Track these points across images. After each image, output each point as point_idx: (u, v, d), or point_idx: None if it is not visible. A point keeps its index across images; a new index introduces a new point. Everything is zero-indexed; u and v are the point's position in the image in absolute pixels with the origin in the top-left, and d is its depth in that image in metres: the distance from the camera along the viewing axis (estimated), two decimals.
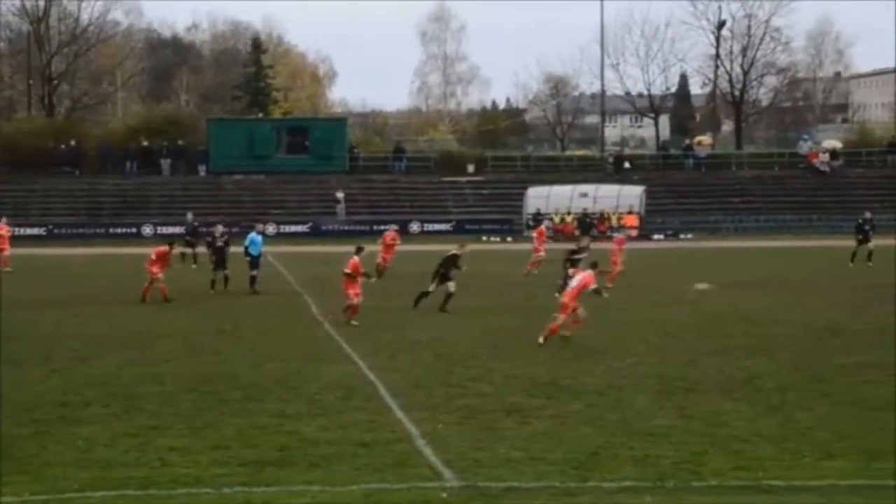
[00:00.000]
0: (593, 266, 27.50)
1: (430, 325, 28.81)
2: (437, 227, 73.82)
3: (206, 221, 53.37)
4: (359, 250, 30.11)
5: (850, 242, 49.55)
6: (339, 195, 76.24)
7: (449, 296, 31.62)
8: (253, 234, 38.21)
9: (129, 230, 71.17)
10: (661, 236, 72.79)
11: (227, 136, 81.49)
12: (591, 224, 70.58)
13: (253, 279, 37.23)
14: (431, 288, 32.11)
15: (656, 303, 33.96)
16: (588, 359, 23.38)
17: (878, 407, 18.17)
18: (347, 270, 29.38)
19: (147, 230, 70.47)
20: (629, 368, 22.17)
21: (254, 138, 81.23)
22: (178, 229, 67.88)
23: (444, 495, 13.57)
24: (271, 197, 78.27)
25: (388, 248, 43.14)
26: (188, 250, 49.19)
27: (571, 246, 37.60)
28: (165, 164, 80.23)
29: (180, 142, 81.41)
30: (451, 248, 33.30)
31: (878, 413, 17.75)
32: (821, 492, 13.63)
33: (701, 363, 22.67)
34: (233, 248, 38.20)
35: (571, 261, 34.69)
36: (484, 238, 66.55)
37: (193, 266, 47.51)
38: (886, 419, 17.30)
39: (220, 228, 39.27)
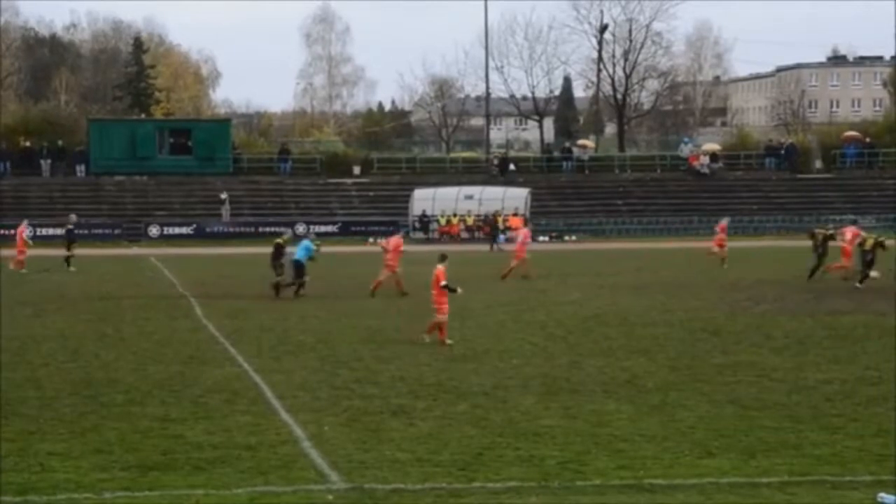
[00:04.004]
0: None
1: (314, 327, 28.69)
2: (322, 228, 73.59)
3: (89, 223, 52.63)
4: (442, 258, 26.48)
5: (730, 244, 50.33)
6: (224, 196, 75.61)
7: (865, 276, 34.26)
8: (307, 241, 37.72)
9: (7, 231, 69.62)
10: (546, 238, 73.40)
11: (109, 136, 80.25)
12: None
13: (301, 284, 36.72)
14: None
15: (541, 304, 34.26)
16: (473, 360, 23.48)
17: (753, 406, 18.57)
18: (442, 283, 25.60)
19: (26, 232, 68.98)
20: (514, 369, 22.31)
21: (136, 139, 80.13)
22: (59, 231, 67.02)
23: (331, 498, 13.55)
24: (154, 198, 77.32)
25: None
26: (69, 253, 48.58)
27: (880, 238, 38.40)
28: (45, 164, 78.76)
29: (60, 142, 79.99)
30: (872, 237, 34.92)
31: (753, 412, 18.13)
32: (701, 489, 13.87)
33: (584, 364, 22.91)
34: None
35: (881, 244, 36.91)
36: (370, 240, 66.48)
37: (50, 270, 47.19)
38: (761, 417, 17.71)
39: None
